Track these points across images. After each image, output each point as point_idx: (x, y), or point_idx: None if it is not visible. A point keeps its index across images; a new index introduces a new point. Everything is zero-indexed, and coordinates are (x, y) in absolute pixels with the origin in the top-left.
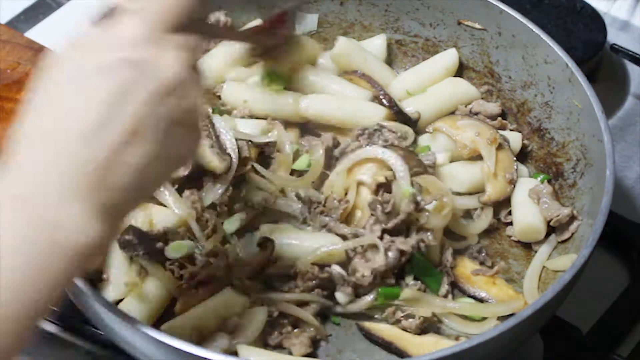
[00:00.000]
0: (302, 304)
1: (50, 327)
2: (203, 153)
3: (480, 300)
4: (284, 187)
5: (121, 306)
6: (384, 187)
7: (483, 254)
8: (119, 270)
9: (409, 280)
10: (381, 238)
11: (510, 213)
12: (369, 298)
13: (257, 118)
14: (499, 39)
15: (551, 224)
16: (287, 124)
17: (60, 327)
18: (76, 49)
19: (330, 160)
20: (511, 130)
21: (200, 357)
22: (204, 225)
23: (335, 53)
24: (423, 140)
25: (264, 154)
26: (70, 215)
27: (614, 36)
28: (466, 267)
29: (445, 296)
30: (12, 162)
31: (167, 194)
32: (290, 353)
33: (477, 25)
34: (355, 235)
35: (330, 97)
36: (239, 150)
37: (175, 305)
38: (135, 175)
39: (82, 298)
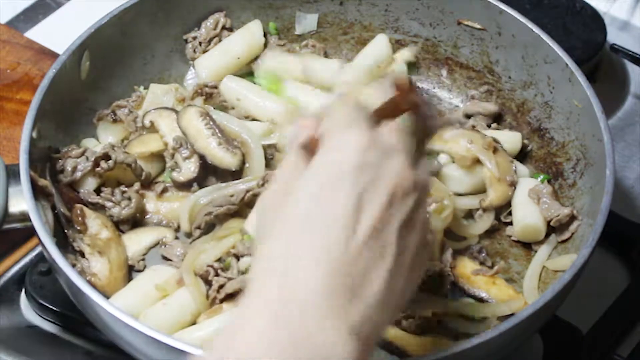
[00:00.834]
0: None
1: (50, 327)
2: (213, 152)
3: (480, 300)
4: None
5: (147, 314)
6: None
7: (483, 254)
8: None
9: None
10: None
11: (510, 213)
12: None
13: (255, 119)
14: (498, 39)
15: (551, 224)
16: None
17: (60, 327)
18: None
19: None
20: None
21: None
22: None
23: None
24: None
25: (265, 155)
26: (328, 333)
27: (614, 36)
28: (466, 267)
29: (446, 296)
30: (262, 277)
31: None
32: None
33: (477, 25)
34: None
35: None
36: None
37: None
38: (383, 287)
39: (82, 298)
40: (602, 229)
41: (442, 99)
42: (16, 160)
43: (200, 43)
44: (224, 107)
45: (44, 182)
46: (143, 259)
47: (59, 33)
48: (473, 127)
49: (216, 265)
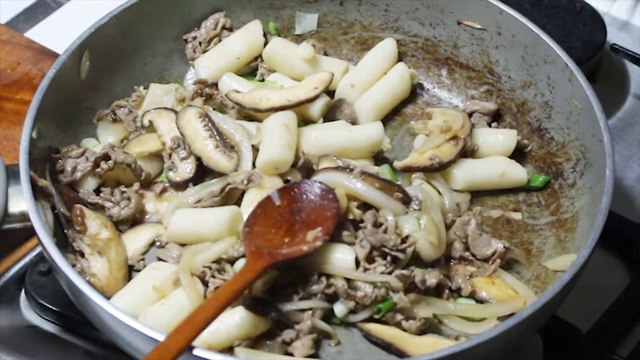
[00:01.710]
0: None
1: (50, 327)
2: (209, 155)
3: (480, 301)
4: None
5: (146, 314)
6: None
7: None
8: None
9: None
10: (370, 254)
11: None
12: (368, 313)
13: (252, 120)
14: (498, 38)
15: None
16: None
17: (60, 327)
18: None
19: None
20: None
21: (201, 357)
22: None
23: (267, 52)
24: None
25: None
26: None
27: (614, 36)
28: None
29: (446, 297)
30: None
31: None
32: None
33: (476, 25)
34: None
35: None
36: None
37: None
38: None
39: (82, 298)
40: (602, 229)
41: (442, 99)
42: (16, 160)
43: (200, 43)
44: (223, 107)
45: (44, 182)
46: (143, 259)
47: (59, 33)
48: (473, 125)
49: (213, 266)
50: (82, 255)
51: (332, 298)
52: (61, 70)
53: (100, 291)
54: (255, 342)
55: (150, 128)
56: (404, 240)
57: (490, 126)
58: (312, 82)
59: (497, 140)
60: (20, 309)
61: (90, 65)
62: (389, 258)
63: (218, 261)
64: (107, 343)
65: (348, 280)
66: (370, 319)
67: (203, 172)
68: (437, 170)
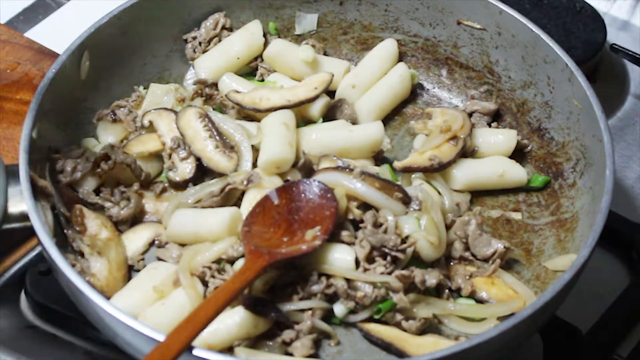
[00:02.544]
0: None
1: (50, 327)
2: (209, 156)
3: (480, 301)
4: None
5: (146, 314)
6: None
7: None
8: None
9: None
10: (369, 254)
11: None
12: (368, 313)
13: (252, 120)
14: (498, 38)
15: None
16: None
17: (60, 327)
18: None
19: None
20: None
21: (201, 357)
22: None
23: (268, 54)
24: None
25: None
26: None
27: (614, 36)
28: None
29: (446, 297)
30: None
31: None
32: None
33: (476, 25)
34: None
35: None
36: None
37: None
38: None
39: (82, 298)
40: (602, 229)
41: (442, 99)
42: (16, 160)
43: (200, 43)
44: (223, 107)
45: (44, 182)
46: (142, 259)
47: (59, 33)
48: (473, 125)
49: (213, 266)
50: (82, 255)
51: (332, 298)
52: (61, 70)
53: (100, 291)
54: (255, 342)
55: (150, 128)
56: (404, 241)
57: (490, 126)
58: (312, 83)
59: (497, 140)
60: (20, 309)
61: (90, 65)
62: (388, 258)
63: (218, 261)
64: (107, 343)
65: (348, 280)
66: (370, 319)
67: (203, 172)
68: (437, 170)
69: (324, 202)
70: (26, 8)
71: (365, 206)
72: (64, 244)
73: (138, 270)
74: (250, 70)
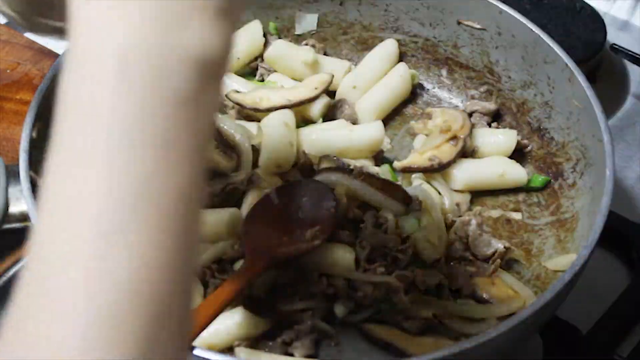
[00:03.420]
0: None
1: None
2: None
3: (480, 301)
4: None
5: None
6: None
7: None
8: None
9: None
10: (370, 253)
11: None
12: (368, 313)
13: (252, 120)
14: (498, 38)
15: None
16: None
17: None
18: None
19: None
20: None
21: (200, 357)
22: None
23: (269, 55)
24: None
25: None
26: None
27: (614, 36)
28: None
29: (446, 298)
30: None
31: None
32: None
33: (476, 25)
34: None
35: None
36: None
37: None
38: None
39: None
40: (602, 229)
41: (442, 99)
42: (16, 160)
43: None
44: (223, 107)
45: None
46: None
47: None
48: (473, 125)
49: (213, 267)
50: None
51: (332, 298)
52: (61, 70)
53: None
54: (255, 342)
55: None
56: (404, 241)
57: (490, 126)
58: (312, 83)
59: (497, 140)
60: None
61: None
62: (389, 258)
63: (218, 261)
64: None
65: (348, 280)
66: (370, 319)
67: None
68: (436, 170)
69: (324, 202)
70: None
71: (365, 206)
72: None
73: None
74: (250, 70)
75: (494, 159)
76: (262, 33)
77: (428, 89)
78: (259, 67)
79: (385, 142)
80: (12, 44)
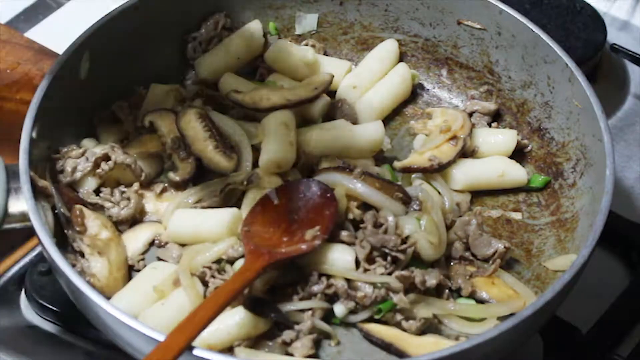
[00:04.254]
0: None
1: (50, 327)
2: (209, 156)
3: (480, 301)
4: None
5: (146, 314)
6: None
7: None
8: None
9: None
10: (370, 254)
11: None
12: (368, 313)
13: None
14: (498, 38)
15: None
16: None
17: (60, 327)
18: None
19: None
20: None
21: (201, 357)
22: None
23: (269, 55)
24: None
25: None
26: None
27: (614, 36)
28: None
29: (446, 298)
30: None
31: None
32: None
33: (476, 25)
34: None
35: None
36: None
37: None
38: None
39: (82, 298)
40: (602, 229)
41: (442, 99)
42: (16, 160)
43: (200, 43)
44: (223, 107)
45: (44, 183)
46: (143, 259)
47: (59, 33)
48: (473, 125)
49: (213, 266)
50: (82, 255)
51: (332, 298)
52: (61, 70)
53: (100, 291)
54: (255, 342)
55: (151, 128)
56: (404, 241)
57: (490, 126)
58: (312, 83)
59: (497, 140)
60: (20, 309)
61: (90, 65)
62: (389, 258)
63: (218, 261)
64: (107, 343)
65: (348, 280)
66: (370, 319)
67: (203, 172)
68: (436, 171)
69: (324, 202)
70: (26, 8)
71: (365, 206)
72: (64, 244)
73: (138, 270)
74: (250, 70)
75: (494, 159)
76: (262, 33)
77: (428, 89)
78: (259, 67)
79: (385, 142)
80: (12, 44)
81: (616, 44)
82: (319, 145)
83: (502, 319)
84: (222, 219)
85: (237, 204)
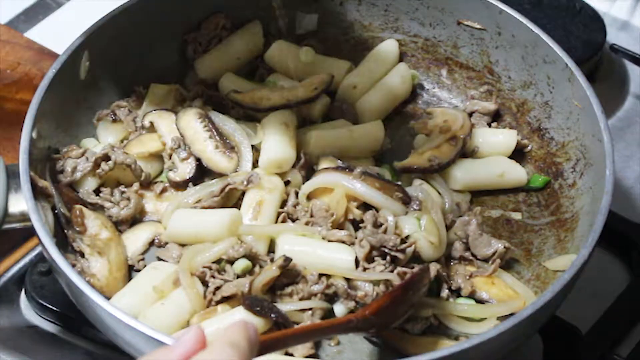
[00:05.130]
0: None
1: (50, 327)
2: (209, 156)
3: (480, 301)
4: None
5: (146, 314)
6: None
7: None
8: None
9: None
10: (369, 253)
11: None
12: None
13: (252, 120)
14: (498, 38)
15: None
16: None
17: (60, 327)
18: None
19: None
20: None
21: None
22: None
23: (269, 55)
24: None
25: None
26: None
27: (613, 36)
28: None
29: (446, 297)
30: None
31: None
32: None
33: (476, 25)
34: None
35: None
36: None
37: None
38: None
39: (82, 298)
40: (602, 229)
41: (442, 99)
42: (16, 160)
43: (200, 43)
44: (223, 107)
45: (44, 183)
46: (143, 259)
47: (59, 33)
48: (473, 125)
49: (214, 266)
50: (82, 255)
51: (332, 298)
52: (61, 70)
53: (100, 291)
54: None
55: (151, 128)
56: (404, 241)
57: (490, 126)
58: (312, 83)
59: (497, 140)
60: (20, 309)
61: (90, 65)
62: (388, 258)
63: (218, 261)
64: (107, 343)
65: (348, 280)
66: None
67: (203, 173)
68: (436, 171)
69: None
70: (26, 8)
71: (365, 206)
72: (64, 244)
73: (138, 270)
74: (250, 70)
75: (494, 159)
76: (262, 33)
77: (428, 89)
78: (259, 67)
79: (385, 142)
80: (12, 44)
81: (616, 44)
82: (319, 145)
83: (502, 318)
84: (222, 219)
85: (237, 204)
